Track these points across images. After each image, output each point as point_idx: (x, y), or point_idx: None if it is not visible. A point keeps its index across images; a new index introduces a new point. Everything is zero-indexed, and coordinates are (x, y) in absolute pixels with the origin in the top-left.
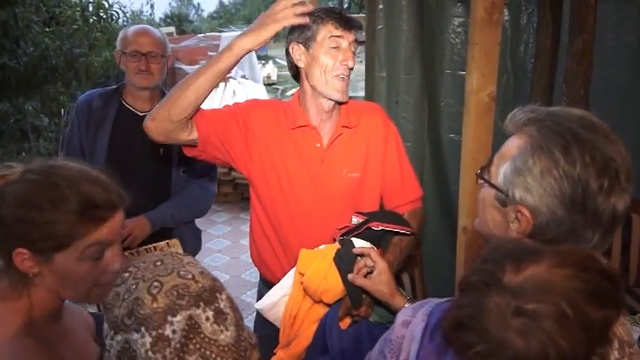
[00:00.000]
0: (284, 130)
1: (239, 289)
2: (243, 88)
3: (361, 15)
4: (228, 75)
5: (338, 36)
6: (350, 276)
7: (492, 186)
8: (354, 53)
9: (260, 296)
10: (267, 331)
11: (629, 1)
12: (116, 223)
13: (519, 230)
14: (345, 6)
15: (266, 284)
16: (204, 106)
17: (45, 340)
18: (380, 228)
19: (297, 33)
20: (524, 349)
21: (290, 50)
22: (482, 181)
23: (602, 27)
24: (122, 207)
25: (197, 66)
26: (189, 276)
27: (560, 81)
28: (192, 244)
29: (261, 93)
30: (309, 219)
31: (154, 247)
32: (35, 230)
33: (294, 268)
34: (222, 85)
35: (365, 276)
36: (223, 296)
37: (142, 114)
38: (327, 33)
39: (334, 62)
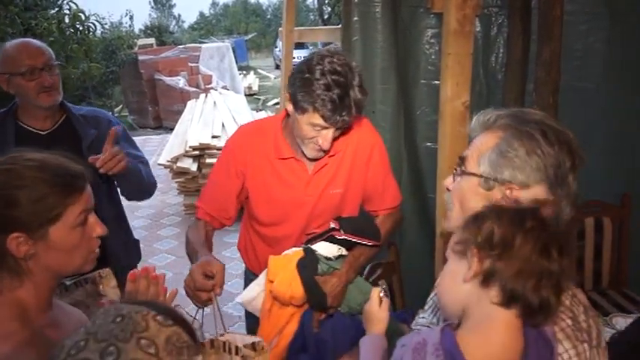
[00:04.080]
0: (271, 158)
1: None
2: (224, 99)
3: (337, 27)
4: (209, 86)
5: (323, 126)
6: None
7: (476, 174)
8: (336, 134)
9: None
10: (255, 318)
11: (596, 12)
12: (90, 191)
13: None
14: (326, 17)
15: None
16: (188, 117)
17: (40, 331)
18: (342, 237)
19: (293, 87)
20: None
21: (285, 95)
22: (461, 175)
23: (570, 37)
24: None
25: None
26: (152, 350)
27: (530, 89)
28: (128, 258)
29: (242, 104)
30: (295, 237)
31: (85, 279)
32: (26, 210)
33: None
34: (202, 96)
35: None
36: None
37: (44, 133)
38: (313, 119)
39: (312, 137)
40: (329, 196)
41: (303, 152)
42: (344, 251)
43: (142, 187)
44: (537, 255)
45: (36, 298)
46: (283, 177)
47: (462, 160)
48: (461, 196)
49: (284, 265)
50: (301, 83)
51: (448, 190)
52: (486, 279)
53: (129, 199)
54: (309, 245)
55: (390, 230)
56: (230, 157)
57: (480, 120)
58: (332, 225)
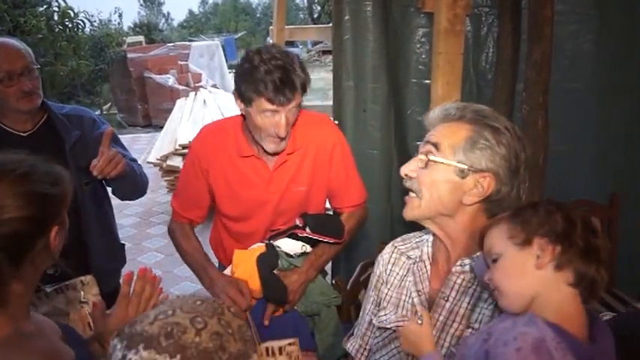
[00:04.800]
0: (233, 156)
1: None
2: (214, 98)
3: (328, 26)
4: (199, 84)
5: (272, 110)
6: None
7: (451, 163)
8: (291, 118)
9: None
10: None
11: (586, 12)
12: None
13: (479, 194)
14: (316, 16)
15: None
16: (177, 115)
17: (26, 334)
18: (304, 235)
19: (237, 85)
20: None
21: (233, 95)
22: (433, 163)
23: (560, 37)
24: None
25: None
26: (230, 330)
27: (520, 89)
28: (113, 262)
29: (232, 102)
30: (261, 233)
31: (66, 285)
32: (58, 204)
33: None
34: (192, 94)
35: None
36: None
37: (25, 134)
38: (260, 105)
39: (268, 127)
40: (292, 193)
41: (264, 150)
42: (308, 248)
43: (137, 187)
44: (593, 237)
45: (22, 304)
46: (245, 175)
47: (435, 146)
48: (431, 185)
49: (246, 258)
50: (243, 76)
51: (407, 176)
52: (560, 264)
53: (123, 199)
54: (271, 241)
55: (355, 227)
56: (194, 157)
57: (442, 112)
58: (297, 222)
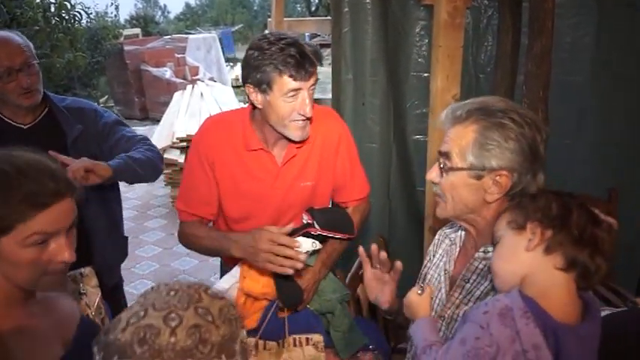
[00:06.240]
0: (240, 150)
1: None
2: (211, 91)
3: (327, 18)
4: (196, 77)
5: (295, 89)
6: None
7: (464, 168)
8: (312, 97)
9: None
10: None
11: (586, 5)
12: (61, 212)
13: (499, 191)
14: (313, 9)
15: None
16: (174, 108)
17: (16, 320)
18: (317, 233)
19: (252, 76)
20: None
21: (246, 90)
22: (449, 171)
23: (559, 30)
24: (70, 197)
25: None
26: (210, 318)
27: (520, 82)
28: (115, 256)
29: (229, 95)
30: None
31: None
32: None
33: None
34: (189, 87)
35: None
36: (237, 346)
37: (26, 127)
38: (283, 85)
39: (292, 111)
40: (299, 189)
41: (274, 144)
42: (318, 245)
43: (142, 176)
44: (591, 225)
45: (2, 291)
46: (251, 170)
47: (446, 155)
48: (452, 189)
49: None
50: (256, 64)
51: (434, 183)
52: (549, 247)
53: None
54: None
55: (360, 221)
56: (199, 151)
57: (451, 114)
58: (304, 218)
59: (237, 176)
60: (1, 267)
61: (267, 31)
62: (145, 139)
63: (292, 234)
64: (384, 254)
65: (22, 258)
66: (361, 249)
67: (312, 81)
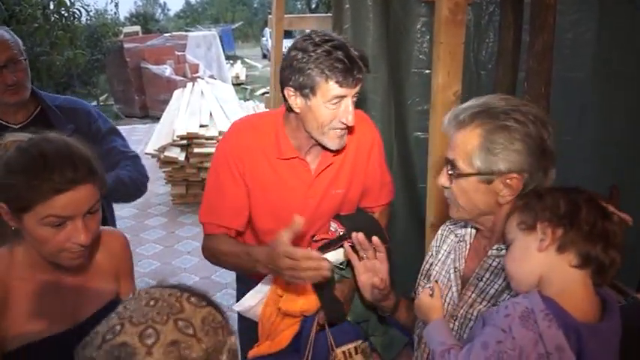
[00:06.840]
0: (272, 158)
1: (210, 289)
2: (211, 89)
3: (328, 15)
4: (196, 75)
5: (339, 97)
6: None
7: (473, 174)
8: (354, 104)
9: (239, 294)
10: (248, 323)
11: (586, 2)
12: (76, 198)
13: (511, 193)
14: (313, 6)
15: (245, 283)
16: (174, 106)
17: (42, 283)
18: (351, 243)
19: (293, 78)
20: None
21: (285, 93)
22: (457, 177)
23: (560, 26)
24: (89, 183)
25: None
26: (190, 331)
27: (522, 79)
28: None
29: (230, 93)
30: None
31: None
32: (6, 190)
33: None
34: (189, 85)
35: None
36: (224, 357)
37: (17, 126)
38: (328, 91)
39: (333, 118)
40: (331, 196)
41: (308, 151)
42: (341, 256)
43: (130, 196)
44: (602, 219)
45: (37, 256)
46: (284, 179)
47: (453, 162)
48: (463, 194)
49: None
50: (300, 66)
51: (445, 187)
52: (561, 246)
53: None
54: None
55: (386, 227)
56: (227, 159)
57: (454, 119)
58: (333, 225)
59: (269, 185)
60: (27, 238)
61: (267, 30)
62: (136, 157)
63: (327, 247)
64: (375, 238)
65: (40, 234)
66: (346, 244)
67: (357, 88)
